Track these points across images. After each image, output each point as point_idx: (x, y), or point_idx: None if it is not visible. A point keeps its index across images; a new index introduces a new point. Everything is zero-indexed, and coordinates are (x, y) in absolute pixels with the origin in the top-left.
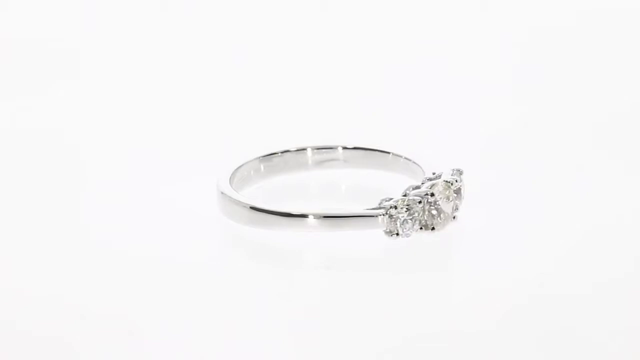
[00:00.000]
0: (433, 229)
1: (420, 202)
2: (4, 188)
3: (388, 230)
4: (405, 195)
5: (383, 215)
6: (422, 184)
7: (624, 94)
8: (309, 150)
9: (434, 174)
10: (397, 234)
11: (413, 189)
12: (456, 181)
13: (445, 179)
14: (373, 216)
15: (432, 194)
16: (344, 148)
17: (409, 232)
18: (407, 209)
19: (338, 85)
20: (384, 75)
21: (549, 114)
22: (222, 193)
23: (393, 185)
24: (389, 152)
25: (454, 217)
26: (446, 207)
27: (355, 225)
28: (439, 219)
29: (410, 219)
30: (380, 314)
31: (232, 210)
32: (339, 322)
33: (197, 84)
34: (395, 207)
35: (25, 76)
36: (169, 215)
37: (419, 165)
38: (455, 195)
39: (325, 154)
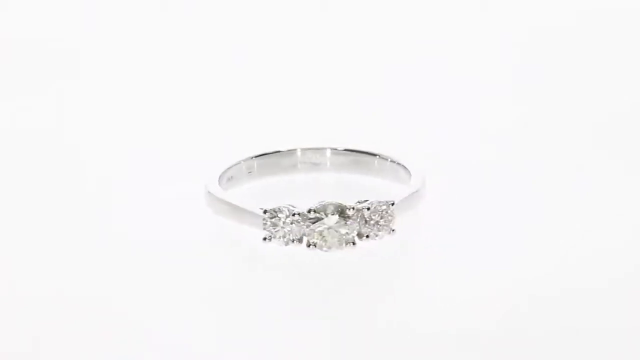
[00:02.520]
0: (314, 246)
1: (299, 214)
2: (3, 188)
3: (265, 233)
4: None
5: (262, 217)
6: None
7: (624, 94)
8: (298, 151)
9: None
10: (269, 239)
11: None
12: (367, 209)
13: (345, 204)
14: (255, 214)
15: (314, 211)
16: (333, 149)
17: (282, 241)
18: (291, 221)
19: (335, 85)
20: (382, 76)
21: (549, 114)
22: (208, 192)
23: (378, 188)
24: (375, 155)
25: (353, 243)
26: (341, 229)
27: (240, 218)
28: (322, 237)
29: (283, 229)
30: (377, 314)
31: (218, 207)
32: (337, 321)
33: (196, 84)
34: (273, 212)
35: (25, 76)
36: (164, 214)
37: (405, 168)
38: (359, 221)
39: (315, 156)
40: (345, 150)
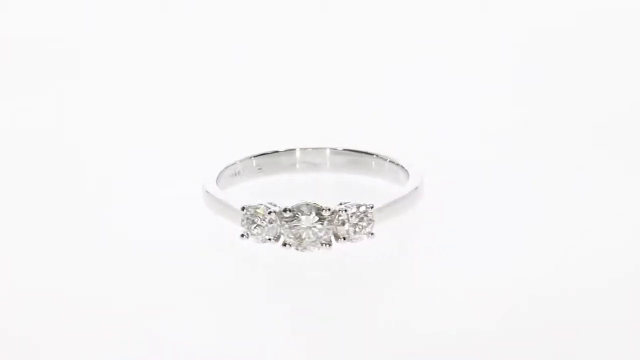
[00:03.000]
0: (290, 245)
1: (275, 212)
2: (3, 188)
3: (243, 229)
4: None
5: (240, 214)
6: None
7: (624, 94)
8: (297, 151)
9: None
10: (247, 236)
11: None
12: (344, 211)
13: (321, 204)
14: (236, 210)
15: (290, 210)
16: (332, 149)
17: (258, 239)
18: (269, 221)
19: (335, 85)
20: (382, 76)
21: (549, 114)
22: (206, 192)
23: (375, 188)
24: (373, 154)
25: (328, 244)
26: (316, 230)
27: (223, 212)
28: (298, 237)
29: (261, 226)
30: (377, 314)
31: (216, 207)
32: (336, 321)
33: (196, 84)
34: (250, 209)
35: (25, 76)
36: (163, 214)
37: (403, 168)
38: (335, 223)
39: (314, 156)
40: (344, 150)
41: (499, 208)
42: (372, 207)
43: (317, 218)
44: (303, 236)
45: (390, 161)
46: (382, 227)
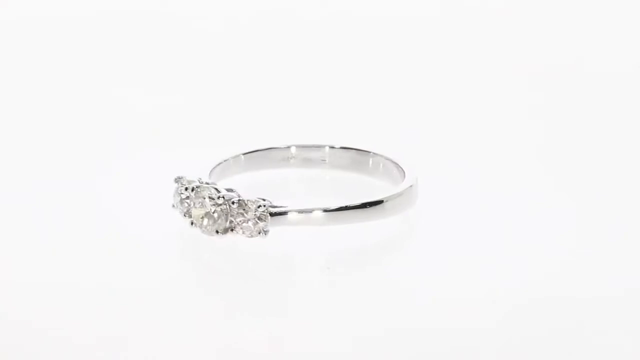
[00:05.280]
0: (193, 224)
1: (190, 189)
2: (3, 187)
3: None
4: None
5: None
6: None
7: (623, 94)
8: (293, 148)
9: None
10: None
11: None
12: (232, 203)
13: (219, 193)
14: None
15: (193, 189)
16: (330, 147)
17: (180, 210)
18: (185, 197)
19: (334, 84)
20: (381, 76)
21: (548, 114)
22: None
23: (373, 185)
24: (369, 152)
25: (222, 233)
26: (210, 215)
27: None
28: (199, 219)
29: (180, 200)
30: (375, 314)
31: None
32: (334, 322)
33: (198, 83)
34: (176, 181)
35: (25, 76)
36: (162, 212)
37: (399, 167)
38: (231, 214)
39: (311, 153)
40: (342, 147)
41: (497, 208)
42: (265, 206)
43: (214, 204)
44: (201, 219)
45: (386, 159)
46: (377, 226)
